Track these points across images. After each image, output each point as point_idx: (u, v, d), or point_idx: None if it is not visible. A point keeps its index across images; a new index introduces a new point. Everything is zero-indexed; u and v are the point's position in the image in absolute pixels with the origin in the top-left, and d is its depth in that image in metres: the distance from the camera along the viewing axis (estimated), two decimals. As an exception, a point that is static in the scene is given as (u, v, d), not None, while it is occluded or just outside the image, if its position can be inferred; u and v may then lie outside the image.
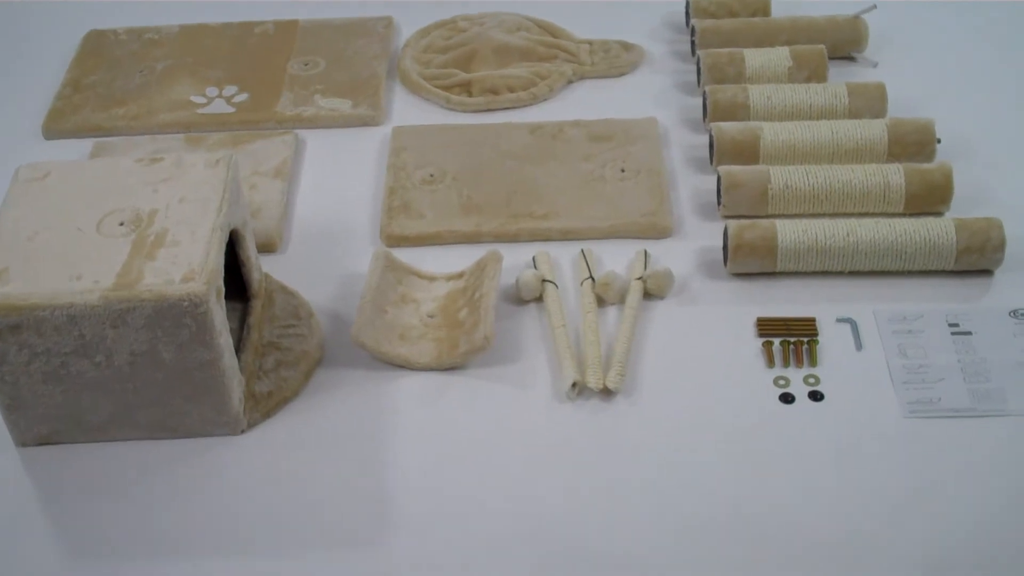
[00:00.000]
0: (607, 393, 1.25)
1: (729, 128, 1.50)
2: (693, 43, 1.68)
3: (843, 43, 1.67)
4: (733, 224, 1.37)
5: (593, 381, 1.25)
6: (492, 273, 1.34)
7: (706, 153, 1.54)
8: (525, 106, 1.64)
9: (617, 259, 1.41)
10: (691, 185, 1.51)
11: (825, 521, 1.13)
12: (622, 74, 1.69)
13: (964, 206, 1.44)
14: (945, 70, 1.69)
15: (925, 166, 1.43)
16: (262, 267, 1.38)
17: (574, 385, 1.25)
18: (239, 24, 1.80)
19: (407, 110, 1.66)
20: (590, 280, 1.37)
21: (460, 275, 1.39)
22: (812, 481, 1.17)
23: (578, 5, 1.84)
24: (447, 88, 1.65)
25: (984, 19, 1.80)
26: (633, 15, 1.82)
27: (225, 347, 1.19)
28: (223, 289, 1.20)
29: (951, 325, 1.31)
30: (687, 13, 1.75)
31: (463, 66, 1.69)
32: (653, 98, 1.66)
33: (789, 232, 1.35)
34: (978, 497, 1.14)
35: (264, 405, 1.26)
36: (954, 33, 1.77)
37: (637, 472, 1.18)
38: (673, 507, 1.15)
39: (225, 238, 1.22)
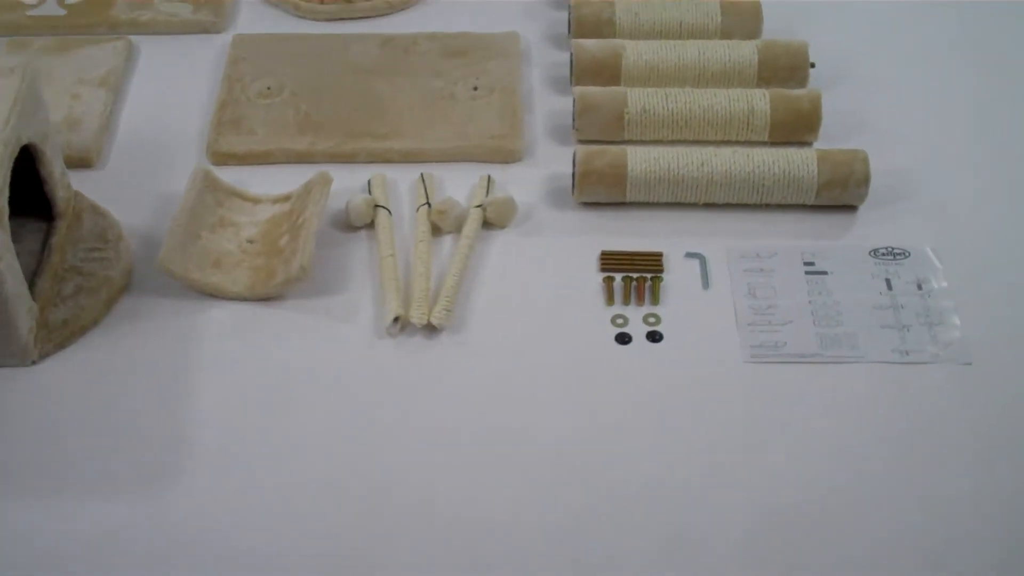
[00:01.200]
0: (432, 329, 1.16)
1: (590, 46, 1.39)
2: (564, -46, 1.57)
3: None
4: (581, 150, 1.27)
5: (417, 316, 1.16)
6: (318, 196, 1.24)
7: (568, 72, 1.43)
8: (382, 15, 1.53)
9: (461, 185, 1.31)
10: (549, 107, 1.41)
11: (655, 466, 1.05)
12: (487, -15, 1.58)
13: (835, 136, 1.35)
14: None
15: (793, 92, 1.34)
16: (71, 184, 1.26)
17: (396, 320, 1.16)
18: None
19: (254, 17, 1.54)
20: (426, 206, 1.27)
21: (287, 198, 1.28)
22: (644, 425, 1.08)
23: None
24: (297, -6, 1.54)
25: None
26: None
27: (7, 271, 1.09)
28: (6, 209, 1.09)
29: (807, 264, 1.22)
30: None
31: (317, -27, 1.57)
32: (521, 10, 1.55)
33: (640, 160, 1.26)
34: (814, 447, 1.07)
35: (58, 335, 1.15)
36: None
37: (458, 413, 1.10)
38: (495, 451, 1.07)
39: (13, 153, 1.11)
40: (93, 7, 1.52)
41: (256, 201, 1.29)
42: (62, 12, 1.51)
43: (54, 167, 1.22)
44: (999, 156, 1.35)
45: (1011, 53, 1.50)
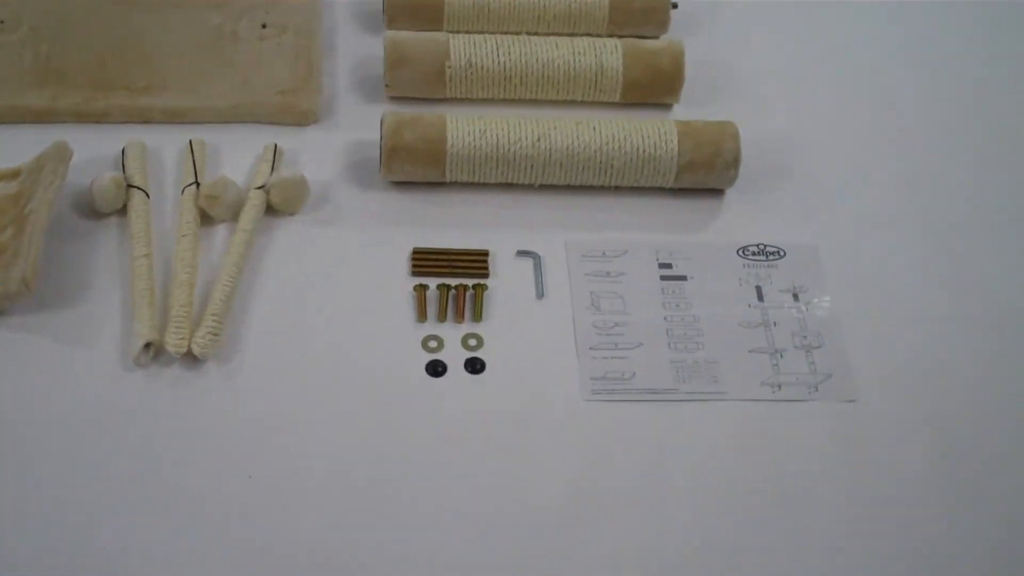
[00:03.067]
0: (193, 359, 0.92)
1: (405, -23, 1.13)
2: None
3: None
4: (391, 117, 1.02)
5: (173, 343, 0.91)
6: (51, 177, 0.97)
7: (380, 7, 1.17)
8: (152, -75, 1.24)
9: (241, 155, 1.06)
10: (356, 52, 1.15)
11: (469, 539, 0.85)
12: None
13: (699, 98, 1.13)
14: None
15: (650, 45, 1.10)
16: None
17: (148, 347, 0.91)
18: None
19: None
20: (194, 187, 1.01)
21: (14, 174, 1.01)
22: (456, 483, 0.87)
23: None
24: None
25: None
26: None
27: None
28: None
29: (662, 266, 1.00)
30: None
31: None
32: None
33: (463, 131, 1.01)
34: (668, 503, 0.87)
35: None
36: None
37: (222, 467, 0.86)
38: (264, 520, 0.84)
39: None
40: None
41: (-25, 177, 1.01)
42: None
43: None
44: (896, 128, 1.14)
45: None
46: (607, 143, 1.02)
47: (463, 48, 1.08)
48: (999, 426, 0.93)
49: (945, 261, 1.03)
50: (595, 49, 1.09)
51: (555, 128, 1.02)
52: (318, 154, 1.06)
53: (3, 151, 1.02)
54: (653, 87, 1.10)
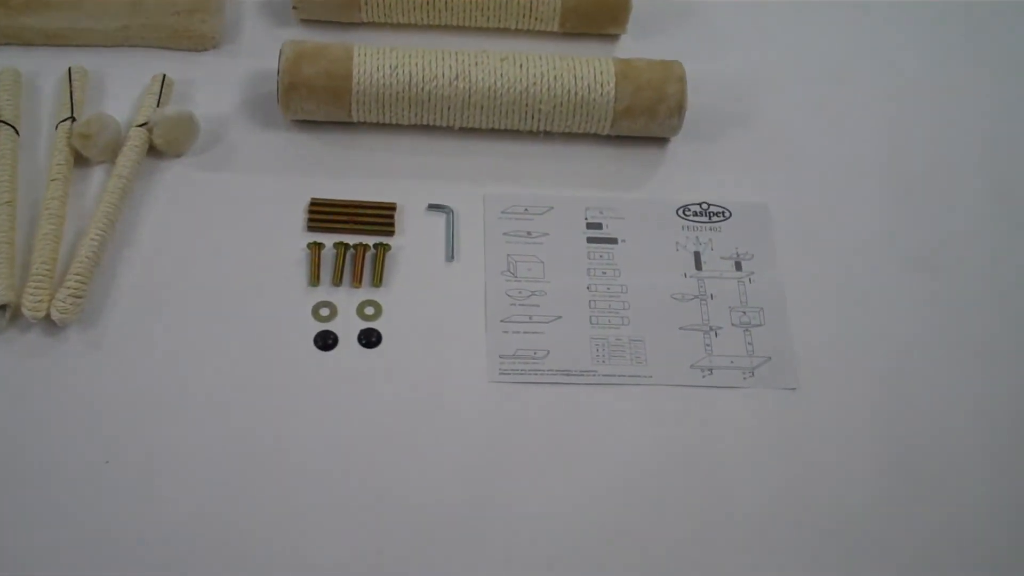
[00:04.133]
0: (53, 325, 0.82)
1: None
2: None
3: None
4: (289, 48, 0.90)
5: (30, 304, 0.81)
6: (-98, 111, 0.86)
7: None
8: None
9: (130, 85, 0.94)
10: (266, -37, 1.03)
11: (362, 530, 0.76)
12: None
13: (645, 28, 1.00)
14: None
15: (593, -36, 0.98)
16: None
17: (3, 309, 0.81)
18: None
19: None
20: (70, 123, 0.90)
21: None
22: (347, 467, 0.78)
23: None
24: None
25: None
26: None
27: None
28: None
29: (591, 227, 0.89)
30: None
31: None
32: None
33: (370, 65, 0.89)
34: (582, 496, 0.78)
35: None
36: None
37: (83, 447, 0.77)
38: (126, 510, 0.76)
39: None
40: None
41: None
42: None
43: None
44: (868, 76, 1.02)
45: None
46: (534, 83, 0.90)
47: (380, -34, 0.95)
48: (953, 425, 0.83)
49: (912, 228, 0.92)
50: (531, -30, 0.96)
51: (476, 64, 0.90)
52: (214, 85, 0.95)
53: None
54: (596, 15, 0.97)
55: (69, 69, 0.93)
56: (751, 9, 1.04)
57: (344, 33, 0.98)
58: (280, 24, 0.99)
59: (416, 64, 0.90)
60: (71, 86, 0.92)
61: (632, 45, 0.99)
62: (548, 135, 0.93)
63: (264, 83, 0.95)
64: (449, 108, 0.90)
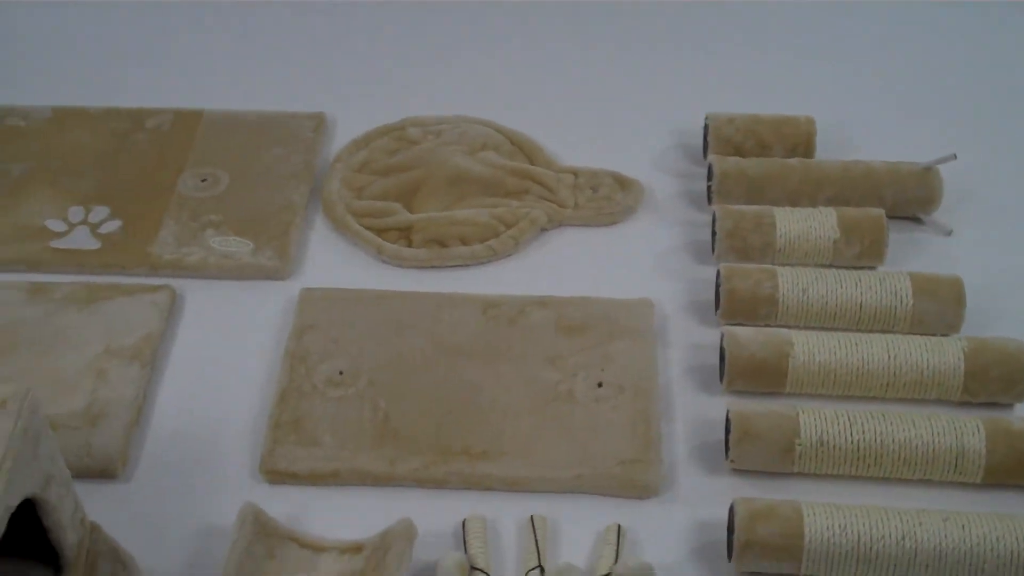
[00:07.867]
0: None
1: (747, 340, 1.09)
2: (710, 188, 1.27)
3: (908, 201, 1.25)
4: (742, 507, 0.97)
5: None
6: (396, 561, 0.95)
7: (717, 358, 1.13)
8: (481, 263, 1.24)
9: (584, 529, 1.02)
10: (694, 410, 1.11)
11: None
12: (613, 222, 1.28)
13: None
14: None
15: (1016, 425, 1.03)
16: (87, 517, 0.99)
17: None
18: (128, 112, 1.39)
19: (326, 254, 1.25)
20: (538, 571, 0.98)
21: (358, 548, 0.99)
22: None
23: (567, 116, 1.42)
24: (381, 232, 1.25)
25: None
26: (636, 137, 1.38)
27: None
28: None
29: None
30: (704, 140, 1.33)
31: (406, 198, 1.28)
32: (651, 262, 1.24)
33: (821, 524, 0.96)
34: None
35: None
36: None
37: None
38: None
39: (2, 519, 0.84)
40: (131, 239, 1.24)
41: (318, 549, 1.00)
42: (95, 244, 1.24)
43: (61, 513, 0.94)
44: None
45: None
46: (977, 544, 0.95)
47: (814, 425, 1.03)
48: None
49: None
50: (955, 429, 1.02)
51: (920, 525, 0.95)
52: (658, 533, 1.01)
53: (346, 510, 1.03)
54: (1019, 470, 1.02)
55: (531, 519, 1.01)
56: None
57: (774, 481, 1.04)
58: (712, 472, 1.06)
59: (864, 524, 0.96)
60: (535, 537, 1.00)
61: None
62: (989, 593, 0.97)
63: (706, 533, 1.01)
64: (895, 567, 0.95)
